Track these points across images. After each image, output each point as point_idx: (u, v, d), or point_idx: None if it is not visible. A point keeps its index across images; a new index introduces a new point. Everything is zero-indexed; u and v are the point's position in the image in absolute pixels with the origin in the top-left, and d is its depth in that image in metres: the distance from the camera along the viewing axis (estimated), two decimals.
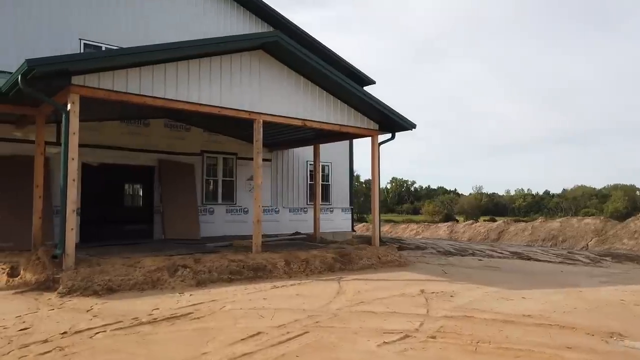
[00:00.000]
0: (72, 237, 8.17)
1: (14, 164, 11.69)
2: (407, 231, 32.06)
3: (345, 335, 5.54)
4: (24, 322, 5.91)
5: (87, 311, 6.50)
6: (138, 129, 13.89)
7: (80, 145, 12.30)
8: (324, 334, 5.57)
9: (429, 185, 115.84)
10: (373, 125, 12.78)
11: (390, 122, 12.64)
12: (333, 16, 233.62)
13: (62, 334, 5.41)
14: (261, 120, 10.66)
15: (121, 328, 5.70)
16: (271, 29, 15.47)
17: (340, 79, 11.34)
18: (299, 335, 5.51)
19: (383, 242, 15.27)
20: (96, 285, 7.52)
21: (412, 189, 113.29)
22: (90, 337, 5.32)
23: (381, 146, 13.07)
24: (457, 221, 39.01)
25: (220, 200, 15.25)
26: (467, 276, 10.41)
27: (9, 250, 10.27)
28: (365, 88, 18.58)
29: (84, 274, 7.65)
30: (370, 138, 12.96)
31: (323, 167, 17.78)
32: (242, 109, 10.41)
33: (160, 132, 14.28)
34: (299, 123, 11.33)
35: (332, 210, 18.06)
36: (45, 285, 7.84)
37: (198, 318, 6.24)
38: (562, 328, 6.01)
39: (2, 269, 8.18)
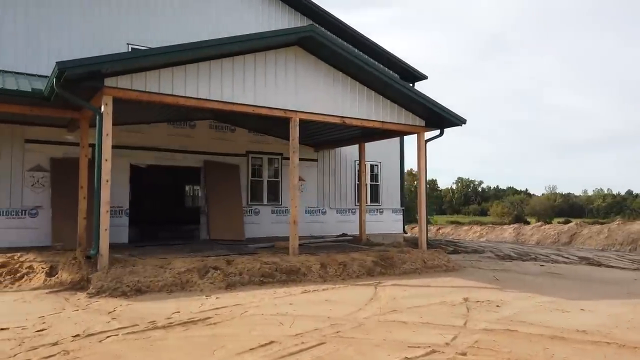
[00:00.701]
0: (105, 237, 8.23)
1: (66, 166, 12.14)
2: (470, 233, 30.51)
3: (364, 349, 5.05)
4: (44, 322, 5.92)
5: (109, 313, 6.44)
6: (184, 130, 14.04)
7: (128, 147, 12.81)
8: (341, 346, 5.11)
9: (497, 186, 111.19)
10: (419, 122, 12.05)
11: (438, 118, 11.86)
12: (397, 14, 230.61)
13: (73, 336, 5.32)
14: (297, 119, 10.31)
15: (134, 332, 5.55)
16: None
17: (381, 73, 10.76)
18: (313, 346, 5.09)
19: (432, 245, 14.42)
20: (125, 286, 7.49)
21: (479, 189, 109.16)
22: (100, 341, 5.20)
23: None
24: (528, 223, 36.64)
25: (265, 201, 15.10)
26: (522, 283, 9.49)
27: (58, 250, 10.63)
28: (418, 83, 17.89)
29: (114, 275, 7.66)
30: (416, 135, 12.25)
31: (372, 166, 17.16)
32: (277, 107, 10.12)
33: (206, 133, 14.34)
34: (338, 120, 10.87)
35: (382, 212, 17.37)
36: (80, 286, 7.94)
37: (215, 323, 5.99)
38: (621, 347, 5.17)
39: (42, 268, 8.39)
